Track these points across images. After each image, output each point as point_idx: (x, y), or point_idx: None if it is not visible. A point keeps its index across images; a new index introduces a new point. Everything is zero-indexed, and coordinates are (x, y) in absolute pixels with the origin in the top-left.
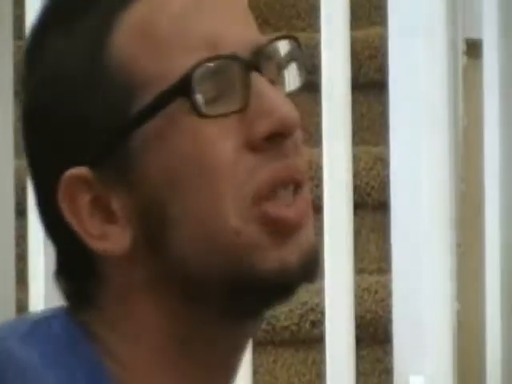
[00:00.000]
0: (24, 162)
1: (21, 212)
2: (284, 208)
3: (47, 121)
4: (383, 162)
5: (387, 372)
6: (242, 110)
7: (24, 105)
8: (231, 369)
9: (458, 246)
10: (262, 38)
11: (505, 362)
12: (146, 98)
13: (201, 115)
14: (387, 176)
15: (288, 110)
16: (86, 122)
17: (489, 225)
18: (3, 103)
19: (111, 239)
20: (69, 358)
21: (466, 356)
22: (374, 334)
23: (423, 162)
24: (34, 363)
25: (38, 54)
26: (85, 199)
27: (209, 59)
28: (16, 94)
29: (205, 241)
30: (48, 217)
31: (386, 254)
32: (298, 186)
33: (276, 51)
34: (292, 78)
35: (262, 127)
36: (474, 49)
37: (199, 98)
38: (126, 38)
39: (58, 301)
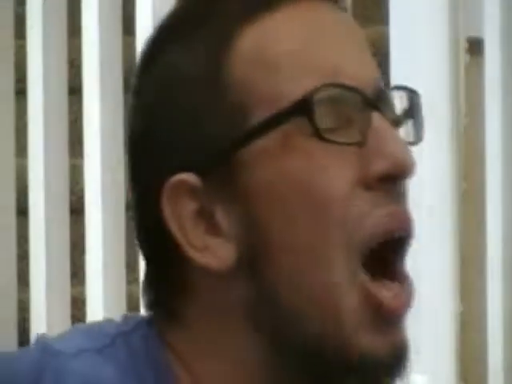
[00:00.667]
0: (26, 161)
1: (23, 211)
2: (389, 294)
3: (161, 124)
4: None
5: None
6: (361, 145)
7: (136, 109)
8: None
9: (461, 245)
10: (380, 79)
11: (507, 362)
12: (262, 115)
13: (320, 137)
14: None
15: (407, 155)
16: (200, 129)
17: (491, 223)
18: None
19: (213, 252)
20: (145, 371)
21: (468, 355)
22: None
23: (425, 160)
24: (107, 378)
25: (156, 60)
26: (190, 207)
27: (333, 85)
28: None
29: (300, 278)
30: (144, 222)
31: None
32: (405, 241)
33: (394, 98)
34: (406, 132)
35: (380, 166)
36: (475, 47)
37: (320, 119)
38: (243, 56)
39: (59, 301)
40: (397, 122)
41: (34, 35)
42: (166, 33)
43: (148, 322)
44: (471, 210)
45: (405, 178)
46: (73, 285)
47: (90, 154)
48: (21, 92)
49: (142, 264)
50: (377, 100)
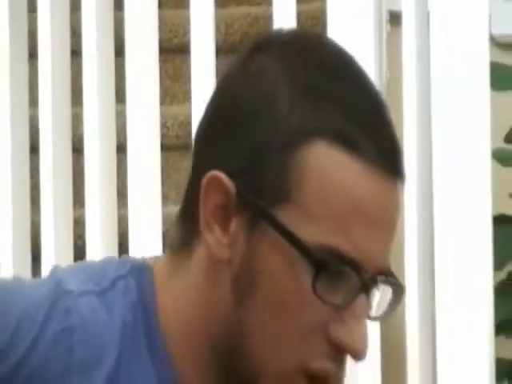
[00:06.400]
0: (37, 111)
1: (34, 149)
2: None
3: (227, 125)
4: None
5: None
6: (339, 309)
7: (218, 95)
8: None
9: None
10: (388, 262)
11: (422, 320)
12: (291, 219)
13: (314, 291)
14: None
15: (363, 345)
16: (258, 170)
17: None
18: None
19: (215, 238)
20: (137, 318)
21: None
22: None
23: None
24: (103, 322)
25: (253, 68)
26: (218, 198)
27: (349, 258)
28: None
29: (261, 351)
30: (191, 188)
31: None
32: None
33: (385, 279)
34: (379, 307)
35: (339, 337)
36: (395, 18)
37: (322, 281)
38: (313, 164)
39: (64, 222)
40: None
41: (43, 10)
42: (277, 54)
43: (139, 267)
44: None
45: (352, 357)
46: (75, 208)
47: (88, 103)
48: (32, 55)
49: (129, 192)
50: (372, 283)
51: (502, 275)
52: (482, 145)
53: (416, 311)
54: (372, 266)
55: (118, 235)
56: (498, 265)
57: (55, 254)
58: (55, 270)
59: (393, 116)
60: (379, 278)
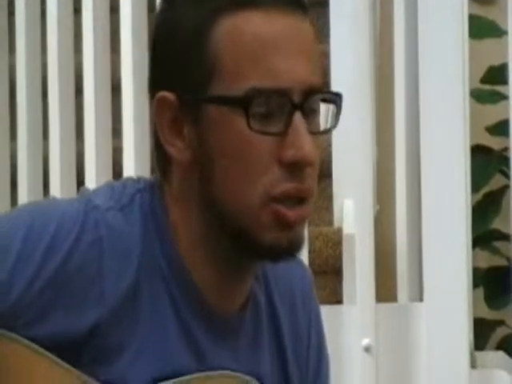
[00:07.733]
0: (81, 57)
1: (79, 90)
2: (288, 210)
3: (163, 52)
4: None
5: (329, 198)
6: (281, 135)
7: (153, 38)
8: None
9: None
10: (317, 80)
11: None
12: (218, 90)
13: (250, 128)
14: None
15: (309, 151)
16: (186, 69)
17: (398, 104)
18: None
19: (177, 149)
20: (151, 224)
21: (383, 193)
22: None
23: (349, 56)
24: (125, 231)
25: (169, 8)
26: (168, 115)
27: (268, 90)
28: None
29: (231, 198)
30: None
31: None
32: (302, 200)
33: (321, 96)
34: (327, 119)
35: (290, 155)
36: None
37: (254, 110)
38: (221, 37)
39: (105, 151)
40: (316, 111)
41: None
42: None
43: (151, 184)
44: (383, 89)
45: (307, 166)
46: (114, 138)
47: (124, 51)
48: (77, 11)
49: None
50: (303, 101)
51: (478, 197)
52: (462, 85)
53: (404, 229)
54: (299, 87)
55: (150, 162)
56: (475, 188)
57: (96, 179)
58: (83, 191)
59: (384, 61)
60: (314, 96)
